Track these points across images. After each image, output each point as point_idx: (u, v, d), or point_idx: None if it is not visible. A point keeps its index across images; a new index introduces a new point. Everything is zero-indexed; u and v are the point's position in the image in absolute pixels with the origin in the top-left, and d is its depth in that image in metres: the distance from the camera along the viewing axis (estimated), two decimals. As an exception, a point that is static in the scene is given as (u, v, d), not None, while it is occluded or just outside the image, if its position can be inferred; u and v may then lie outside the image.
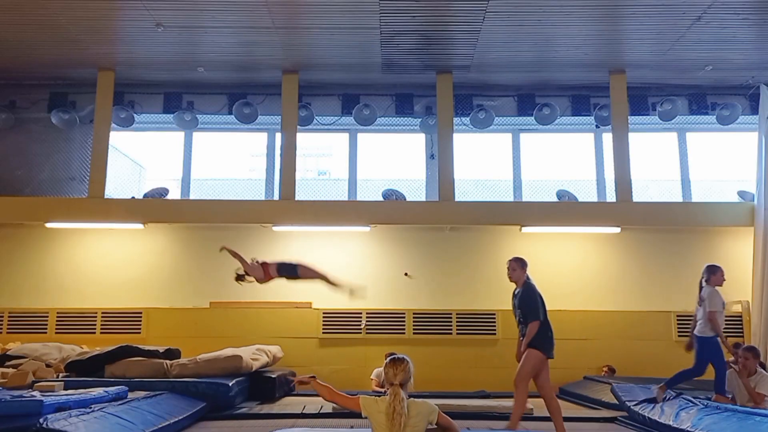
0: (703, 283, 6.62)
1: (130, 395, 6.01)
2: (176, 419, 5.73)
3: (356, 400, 4.23)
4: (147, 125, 10.83)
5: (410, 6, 7.98)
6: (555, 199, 9.97)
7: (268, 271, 6.84)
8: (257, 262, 6.92)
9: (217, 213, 9.49)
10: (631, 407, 6.58)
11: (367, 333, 9.67)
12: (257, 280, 6.88)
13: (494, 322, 9.74)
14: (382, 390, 8.43)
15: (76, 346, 8.79)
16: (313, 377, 4.45)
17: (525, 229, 9.61)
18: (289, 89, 9.80)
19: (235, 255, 6.96)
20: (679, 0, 7.83)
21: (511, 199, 10.39)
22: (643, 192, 10.15)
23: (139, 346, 7.78)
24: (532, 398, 8.07)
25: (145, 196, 9.81)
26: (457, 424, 4.28)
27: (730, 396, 6.52)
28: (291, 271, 6.92)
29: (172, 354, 7.77)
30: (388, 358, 4.36)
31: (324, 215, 9.46)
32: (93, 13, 8.21)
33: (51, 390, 5.77)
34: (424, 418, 4.09)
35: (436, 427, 4.23)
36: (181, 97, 10.48)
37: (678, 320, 9.71)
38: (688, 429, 5.31)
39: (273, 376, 7.87)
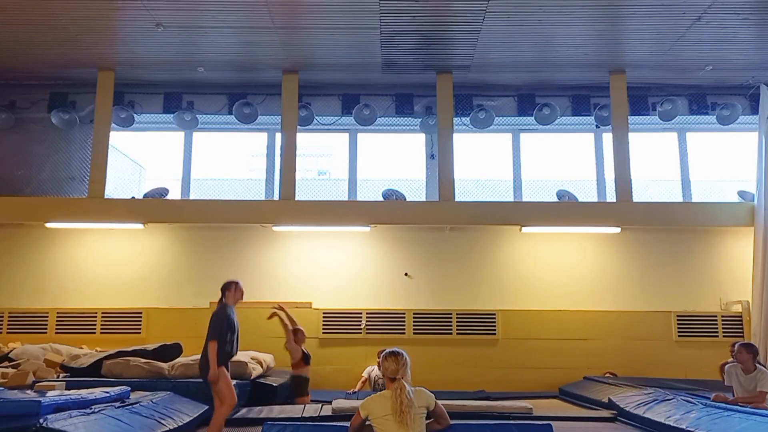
0: None
1: (132, 396, 6.00)
2: (178, 423, 5.68)
3: (357, 415, 4.33)
4: (147, 125, 10.84)
5: (410, 6, 7.98)
6: (555, 199, 9.97)
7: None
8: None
9: (217, 213, 9.49)
10: (630, 408, 6.57)
11: (367, 333, 9.68)
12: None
13: (494, 322, 9.75)
14: (355, 390, 8.52)
15: (74, 348, 8.77)
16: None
17: (525, 229, 9.62)
18: (289, 89, 9.80)
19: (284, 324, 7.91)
20: (679, 0, 7.83)
21: (511, 199, 10.40)
22: (643, 192, 10.15)
23: (136, 348, 7.80)
24: (532, 398, 8.10)
25: (145, 196, 9.81)
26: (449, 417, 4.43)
27: (730, 392, 6.53)
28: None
29: (168, 351, 7.74)
30: (385, 351, 4.38)
31: (324, 215, 9.46)
32: (93, 13, 8.21)
33: (52, 390, 5.76)
34: (425, 405, 4.26)
35: (431, 419, 4.33)
36: (181, 97, 10.49)
37: (678, 320, 9.72)
38: (688, 429, 5.30)
39: (275, 384, 7.86)
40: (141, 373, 7.19)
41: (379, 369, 8.61)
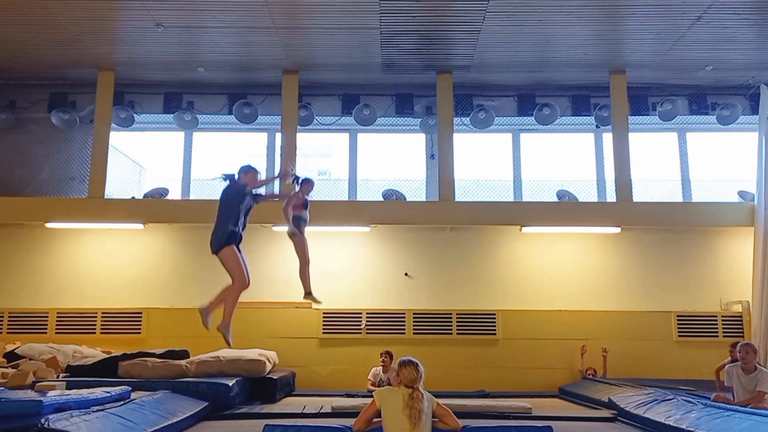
0: None
1: (132, 396, 6.00)
2: (178, 419, 5.71)
3: (372, 404, 4.57)
4: (147, 125, 10.84)
5: (410, 6, 7.99)
6: (555, 199, 9.97)
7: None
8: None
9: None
10: (630, 408, 6.57)
11: (367, 333, 9.68)
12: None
13: (494, 322, 9.75)
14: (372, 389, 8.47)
15: (77, 347, 8.78)
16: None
17: (525, 229, 9.62)
18: (289, 89, 9.80)
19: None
20: (679, 0, 7.84)
21: (511, 199, 10.40)
22: (643, 192, 10.15)
23: (144, 351, 7.81)
24: (531, 398, 8.10)
25: (145, 196, 9.82)
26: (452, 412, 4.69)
27: (730, 393, 6.53)
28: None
29: (175, 356, 7.77)
30: (402, 360, 4.65)
31: (324, 215, 9.43)
32: (93, 13, 8.22)
33: (53, 390, 5.76)
34: (430, 407, 4.54)
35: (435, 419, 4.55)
36: (181, 97, 10.49)
37: (678, 320, 9.72)
38: (688, 429, 5.30)
39: (274, 377, 7.87)
40: (163, 373, 7.14)
41: (384, 372, 8.62)
